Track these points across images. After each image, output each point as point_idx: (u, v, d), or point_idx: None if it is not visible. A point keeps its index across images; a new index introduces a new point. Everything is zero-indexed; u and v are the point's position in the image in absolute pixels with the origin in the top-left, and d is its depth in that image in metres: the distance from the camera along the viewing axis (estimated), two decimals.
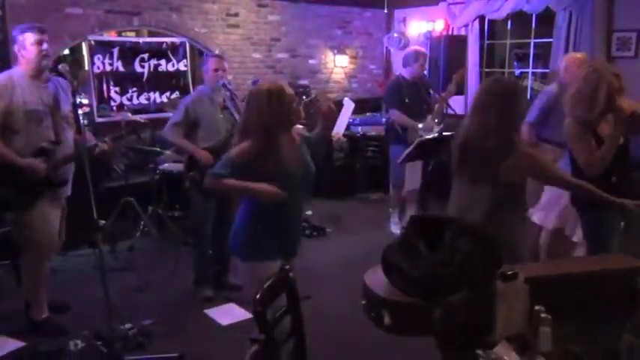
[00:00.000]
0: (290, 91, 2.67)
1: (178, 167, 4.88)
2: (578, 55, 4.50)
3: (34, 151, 3.29)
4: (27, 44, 3.27)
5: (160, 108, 6.47)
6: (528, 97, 7.36)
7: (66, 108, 3.48)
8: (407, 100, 5.27)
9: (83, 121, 3.77)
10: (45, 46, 3.32)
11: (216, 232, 4.10)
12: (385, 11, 7.90)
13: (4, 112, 3.22)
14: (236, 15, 6.87)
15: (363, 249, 4.80)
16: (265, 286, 2.05)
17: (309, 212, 5.61)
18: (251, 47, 7.07)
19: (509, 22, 7.36)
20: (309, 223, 5.54)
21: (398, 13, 8.26)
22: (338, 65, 7.93)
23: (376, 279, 2.12)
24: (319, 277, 4.42)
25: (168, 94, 6.60)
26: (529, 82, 7.44)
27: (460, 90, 6.01)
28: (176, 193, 5.19)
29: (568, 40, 6.46)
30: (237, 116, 4.03)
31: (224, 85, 4.11)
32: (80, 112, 5.51)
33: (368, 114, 7.67)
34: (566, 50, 6.43)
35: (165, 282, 4.41)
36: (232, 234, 2.76)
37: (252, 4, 7.00)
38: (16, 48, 3.32)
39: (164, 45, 6.54)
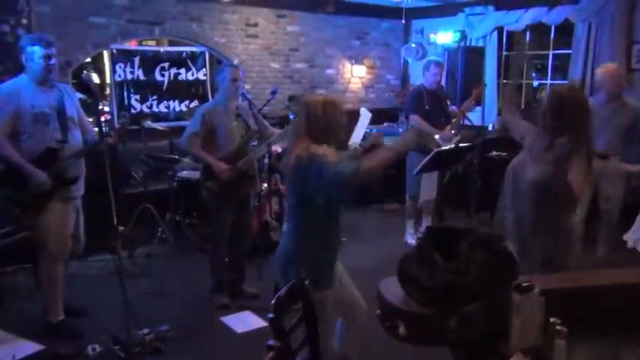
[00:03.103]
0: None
1: (196, 175, 4.93)
2: (611, 65, 4.54)
3: (43, 151, 3.38)
4: (35, 57, 3.35)
5: (180, 116, 6.56)
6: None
7: (71, 112, 3.55)
8: (427, 108, 5.29)
9: (105, 128, 3.84)
10: (53, 61, 3.40)
11: (232, 240, 4.14)
12: (403, 22, 7.93)
13: (13, 116, 3.32)
14: (255, 25, 6.94)
15: (378, 259, 4.81)
16: (282, 294, 2.07)
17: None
18: (269, 57, 7.15)
19: (527, 34, 7.35)
20: None
21: (416, 24, 8.29)
22: (355, 75, 7.97)
23: (391, 289, 2.13)
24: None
25: (187, 102, 6.69)
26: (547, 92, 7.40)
27: (478, 102, 6.01)
28: (194, 201, 5.24)
29: (587, 51, 6.43)
30: (252, 124, 4.08)
31: (242, 95, 4.16)
32: (102, 119, 5.66)
33: (385, 124, 7.69)
34: (585, 62, 6.40)
35: (182, 289, 4.45)
36: (292, 260, 2.63)
37: (272, 15, 7.07)
38: (23, 58, 3.39)
39: (184, 54, 6.63)
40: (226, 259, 4.21)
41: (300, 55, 7.42)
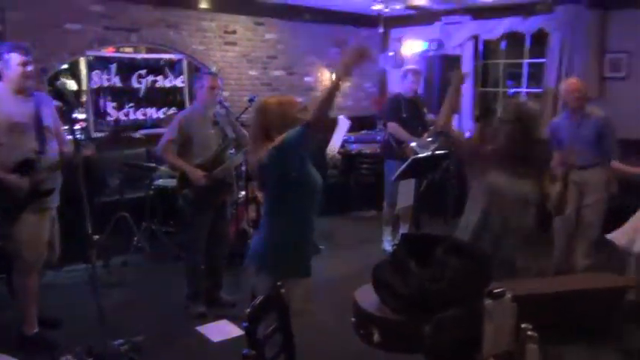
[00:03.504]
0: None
1: (173, 183, 4.90)
2: (572, 80, 4.63)
3: (19, 162, 3.33)
4: (12, 64, 3.31)
5: (157, 124, 6.52)
6: None
7: (48, 121, 3.51)
8: (405, 116, 5.34)
9: (80, 136, 3.79)
10: (30, 67, 3.36)
11: (209, 248, 4.12)
12: (381, 30, 7.99)
13: None
14: (233, 32, 6.95)
15: (356, 266, 4.82)
16: (257, 302, 2.07)
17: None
18: (247, 64, 7.15)
19: (503, 43, 7.47)
20: None
21: (394, 33, 8.37)
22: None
23: (366, 296, 2.14)
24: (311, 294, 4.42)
25: (164, 109, 6.65)
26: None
27: (455, 110, 6.08)
28: (170, 209, 5.21)
29: (561, 60, 6.55)
30: (229, 132, 4.08)
31: (220, 103, 4.16)
32: (77, 127, 5.60)
33: (363, 132, 7.74)
34: (559, 71, 6.53)
35: (158, 298, 4.41)
36: (265, 249, 2.68)
37: (249, 22, 7.08)
38: (0, 66, 3.35)
39: (161, 61, 6.60)
40: (203, 268, 4.19)
41: (279, 62, 7.44)
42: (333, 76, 2.49)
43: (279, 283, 2.26)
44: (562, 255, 4.53)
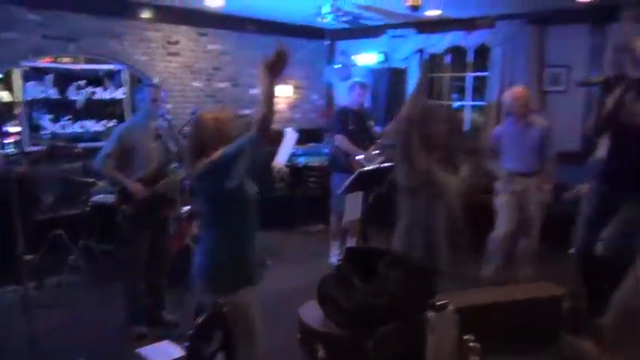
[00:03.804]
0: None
1: (112, 198, 4.80)
2: (517, 88, 4.82)
3: None
4: None
5: (96, 137, 6.36)
6: (467, 128, 7.70)
7: None
8: (351, 128, 5.41)
9: (12, 150, 3.67)
10: None
11: (150, 266, 4.04)
12: (328, 43, 8.09)
13: None
14: (176, 43, 6.88)
15: (303, 281, 4.82)
16: (199, 321, 2.05)
17: None
18: (191, 76, 7.09)
19: (447, 56, 7.69)
20: None
21: (340, 45, 8.48)
22: (280, 95, 8.03)
23: (311, 312, 2.16)
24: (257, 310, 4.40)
25: (104, 122, 6.50)
26: (467, 113, 7.77)
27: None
28: (109, 226, 5.09)
29: (503, 74, 6.80)
30: (172, 146, 4.04)
31: (162, 115, 4.12)
32: (11, 140, 5.41)
33: (310, 145, 7.77)
34: (502, 84, 6.77)
35: (97, 319, 4.28)
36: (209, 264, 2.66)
37: (193, 33, 7.04)
38: None
39: (101, 72, 6.46)
40: (143, 286, 4.10)
41: (223, 74, 7.41)
42: (262, 86, 2.50)
43: (221, 301, 2.25)
44: (502, 264, 4.70)
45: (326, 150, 7.01)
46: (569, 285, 3.61)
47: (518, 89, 4.76)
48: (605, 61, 3.31)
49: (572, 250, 4.42)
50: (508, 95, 4.75)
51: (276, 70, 2.45)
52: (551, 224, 4.86)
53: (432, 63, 7.54)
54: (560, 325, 2.18)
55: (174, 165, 4.16)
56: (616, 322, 1.88)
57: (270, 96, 2.46)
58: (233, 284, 2.56)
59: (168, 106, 6.53)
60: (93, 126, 6.43)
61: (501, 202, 4.72)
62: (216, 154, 2.48)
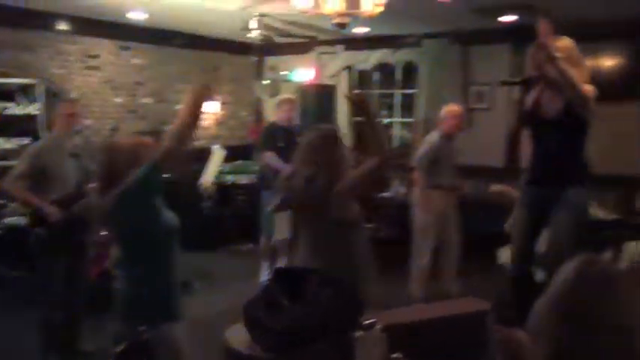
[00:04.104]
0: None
1: (25, 221, 4.58)
2: (455, 107, 4.97)
3: None
4: None
5: (6, 155, 6.06)
6: (396, 144, 7.89)
7: None
8: (280, 145, 5.41)
9: None
10: None
11: (66, 293, 3.88)
12: (256, 58, 8.11)
13: None
14: (96, 57, 6.71)
15: (232, 303, 4.71)
16: (118, 351, 1.98)
17: None
18: (112, 91, 6.91)
19: (375, 73, 7.88)
20: None
21: (269, 61, 8.52)
22: (207, 111, 7.96)
23: (238, 336, 2.13)
24: (183, 336, 4.30)
25: (17, 140, 6.20)
26: (396, 130, 7.98)
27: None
28: (21, 251, 4.84)
29: (430, 92, 7.03)
30: (90, 164, 3.91)
31: (80, 132, 3.99)
32: None
33: (239, 162, 7.72)
34: (429, 101, 6.99)
35: (6, 352, 4.08)
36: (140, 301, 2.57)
37: (114, 47, 6.88)
38: None
39: (13, 86, 6.18)
40: (59, 315, 3.93)
41: (146, 89, 7.27)
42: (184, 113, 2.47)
43: (142, 329, 2.19)
44: (428, 280, 4.84)
45: (255, 167, 6.99)
46: (497, 298, 3.75)
47: (455, 108, 4.92)
48: (526, 62, 3.49)
49: (504, 264, 4.61)
50: (446, 113, 4.88)
51: (196, 104, 2.44)
52: (475, 238, 5.05)
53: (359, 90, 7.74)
54: (486, 341, 2.25)
55: (92, 185, 4.03)
56: (544, 310, 1.94)
57: (184, 128, 2.43)
58: (154, 316, 2.49)
59: (87, 122, 6.33)
60: (4, 144, 6.13)
61: (425, 218, 4.85)
62: (126, 183, 2.40)
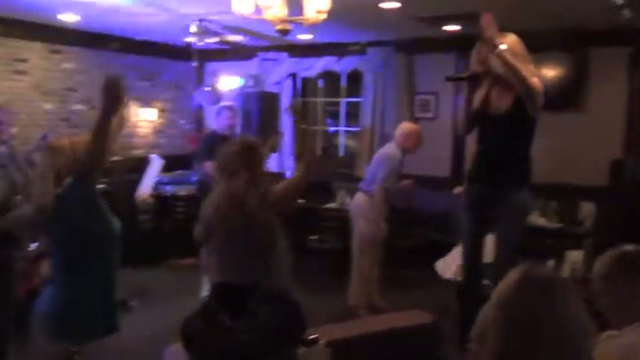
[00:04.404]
0: None
1: None
2: (415, 126, 5.12)
3: None
4: None
5: None
6: (342, 153, 7.97)
7: None
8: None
9: None
10: None
11: None
12: (195, 64, 8.03)
13: None
14: (24, 61, 6.50)
15: (171, 322, 4.64)
16: None
17: None
18: (41, 97, 6.70)
19: (320, 81, 7.94)
20: None
21: (209, 67, 8.46)
22: (144, 119, 7.82)
23: (176, 356, 2.09)
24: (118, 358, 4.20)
25: None
26: (341, 138, 8.05)
27: (274, 150, 6.27)
28: None
29: (375, 100, 7.14)
30: (17, 176, 3.79)
31: (5, 141, 3.86)
32: None
33: (178, 172, 7.61)
34: (374, 110, 7.10)
35: None
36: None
37: (44, 50, 6.68)
38: None
39: None
40: None
41: (78, 95, 7.07)
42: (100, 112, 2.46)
43: (74, 348, 2.13)
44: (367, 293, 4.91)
45: (195, 178, 6.91)
46: (440, 310, 3.82)
47: (418, 127, 5.05)
48: (471, 58, 3.54)
49: (450, 279, 4.70)
50: (410, 131, 4.97)
51: (109, 103, 2.42)
52: (415, 249, 5.17)
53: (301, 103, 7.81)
54: (432, 352, 2.30)
55: (20, 197, 3.90)
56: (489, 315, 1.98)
57: (99, 131, 2.40)
58: (86, 332, 2.43)
59: (14, 130, 6.11)
60: None
61: (376, 230, 4.91)
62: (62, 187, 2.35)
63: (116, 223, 2.58)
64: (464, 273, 3.75)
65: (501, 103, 3.44)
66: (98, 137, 2.37)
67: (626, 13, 4.11)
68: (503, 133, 3.44)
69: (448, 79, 6.18)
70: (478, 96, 3.53)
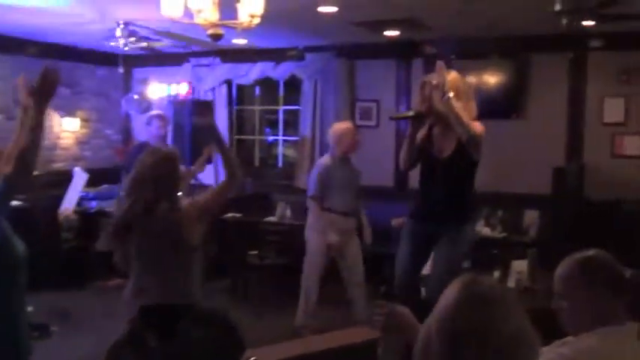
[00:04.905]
0: None
1: None
2: (347, 124, 5.09)
3: None
4: None
5: None
6: (280, 164, 7.95)
7: None
8: None
9: None
10: None
11: None
12: (121, 70, 7.87)
13: None
14: None
15: (97, 348, 4.49)
16: None
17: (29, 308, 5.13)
18: None
19: (257, 88, 7.91)
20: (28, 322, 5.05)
21: (137, 73, 8.30)
22: (66, 130, 7.60)
23: None
24: None
25: None
26: (280, 148, 8.03)
27: (210, 161, 6.19)
28: None
29: (315, 107, 7.16)
30: None
31: None
32: None
33: (104, 186, 7.41)
34: (314, 118, 7.12)
35: None
36: None
37: None
38: None
39: None
40: None
41: None
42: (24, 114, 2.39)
43: None
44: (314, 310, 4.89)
45: (122, 193, 6.74)
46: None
47: (349, 125, 5.03)
48: (414, 96, 3.64)
49: (383, 289, 4.74)
50: (341, 131, 4.93)
51: (44, 95, 2.35)
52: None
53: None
54: None
55: None
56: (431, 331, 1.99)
57: (37, 126, 2.32)
58: None
59: None
60: None
61: (316, 243, 4.89)
62: None
63: (21, 247, 2.46)
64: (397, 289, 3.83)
65: (444, 145, 3.56)
66: (36, 134, 2.29)
67: (565, 20, 4.29)
68: (445, 177, 3.57)
69: (392, 118, 6.32)
70: (421, 134, 3.64)
